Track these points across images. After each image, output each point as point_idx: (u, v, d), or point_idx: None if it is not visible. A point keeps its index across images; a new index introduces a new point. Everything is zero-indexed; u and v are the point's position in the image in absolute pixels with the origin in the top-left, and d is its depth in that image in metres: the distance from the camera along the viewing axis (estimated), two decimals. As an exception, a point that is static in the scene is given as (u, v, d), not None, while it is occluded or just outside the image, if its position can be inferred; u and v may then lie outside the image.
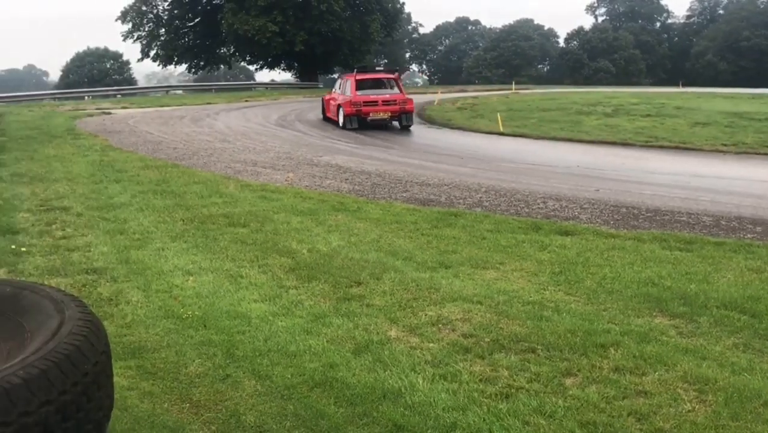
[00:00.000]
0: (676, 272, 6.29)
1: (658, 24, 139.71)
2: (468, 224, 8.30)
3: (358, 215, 8.75)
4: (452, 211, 9.10)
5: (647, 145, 17.38)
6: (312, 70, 61.41)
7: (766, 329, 4.91)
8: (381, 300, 5.50)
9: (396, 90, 21.70)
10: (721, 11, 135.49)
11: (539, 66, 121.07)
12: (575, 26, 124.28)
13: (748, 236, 8.03)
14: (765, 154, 15.87)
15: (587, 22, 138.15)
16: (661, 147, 17.12)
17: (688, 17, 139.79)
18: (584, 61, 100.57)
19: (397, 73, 23.23)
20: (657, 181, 12.11)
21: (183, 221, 8.32)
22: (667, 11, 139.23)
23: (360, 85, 21.38)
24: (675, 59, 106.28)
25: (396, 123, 21.08)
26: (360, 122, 20.61)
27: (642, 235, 7.86)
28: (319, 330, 4.85)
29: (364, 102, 20.55)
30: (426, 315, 5.16)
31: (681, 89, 47.29)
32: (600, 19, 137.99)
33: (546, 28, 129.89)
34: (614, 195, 10.57)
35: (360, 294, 5.65)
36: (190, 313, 5.14)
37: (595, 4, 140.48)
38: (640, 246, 7.31)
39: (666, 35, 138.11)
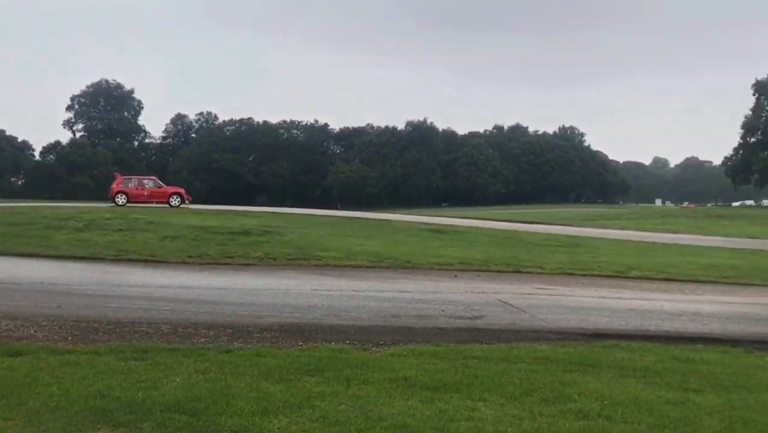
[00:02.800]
0: (127, 382, 6.40)
1: (136, 143, 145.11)
2: None
3: None
4: None
5: (117, 259, 17.57)
6: None
7: (203, 426, 5.33)
8: None
9: None
10: (193, 135, 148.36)
11: (12, 179, 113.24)
12: (52, 140, 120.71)
13: (201, 340, 8.68)
14: (225, 264, 17.56)
15: (65, 136, 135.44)
16: (131, 260, 17.50)
17: (164, 138, 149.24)
18: (62, 175, 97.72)
19: None
20: (123, 294, 12.29)
21: None
22: (144, 131, 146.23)
23: None
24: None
25: None
26: None
27: (99, 348, 7.81)
28: None
29: None
30: None
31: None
32: (78, 134, 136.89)
33: (20, 140, 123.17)
34: (77, 310, 10.32)
35: None
36: None
37: (73, 120, 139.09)
38: (96, 359, 7.25)
39: (144, 153, 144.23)
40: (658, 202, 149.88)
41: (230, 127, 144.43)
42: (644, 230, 42.54)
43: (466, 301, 12.96)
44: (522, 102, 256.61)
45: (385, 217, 39.74)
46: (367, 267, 17.64)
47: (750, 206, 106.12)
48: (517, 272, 18.00)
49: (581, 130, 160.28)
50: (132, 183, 36.88)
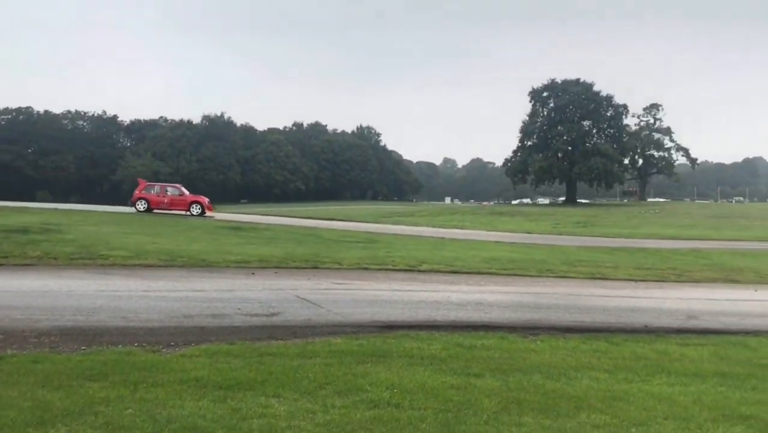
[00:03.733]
0: None
1: None
2: None
3: None
4: None
5: None
6: None
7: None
8: None
9: None
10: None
11: None
12: None
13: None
14: (-4, 265, 15.90)
15: None
16: None
17: None
18: None
19: None
20: None
21: None
22: None
23: None
24: None
25: None
26: None
27: None
28: None
29: None
30: None
31: None
32: None
33: None
34: None
35: None
36: None
37: None
38: None
39: None
40: (448, 200, 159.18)
41: (5, 117, 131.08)
42: (435, 226, 44.95)
43: (263, 298, 12.84)
44: (322, 101, 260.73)
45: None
46: (159, 266, 16.86)
47: (527, 204, 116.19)
48: (316, 268, 18.18)
49: (377, 130, 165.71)
50: (155, 190, 35.48)
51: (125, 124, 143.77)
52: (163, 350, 8.15)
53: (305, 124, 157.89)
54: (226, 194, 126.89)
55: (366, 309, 12.03)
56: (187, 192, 36.65)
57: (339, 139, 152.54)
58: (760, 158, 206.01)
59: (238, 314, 11.03)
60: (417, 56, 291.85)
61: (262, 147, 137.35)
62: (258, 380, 6.85)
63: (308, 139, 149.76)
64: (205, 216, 34.14)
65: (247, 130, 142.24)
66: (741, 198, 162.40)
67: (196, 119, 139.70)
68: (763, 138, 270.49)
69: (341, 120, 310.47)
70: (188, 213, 34.23)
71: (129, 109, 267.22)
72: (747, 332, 11.37)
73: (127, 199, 45.37)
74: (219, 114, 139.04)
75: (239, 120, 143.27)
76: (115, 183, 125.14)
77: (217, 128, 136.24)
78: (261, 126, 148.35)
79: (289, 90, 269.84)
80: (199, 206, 34.97)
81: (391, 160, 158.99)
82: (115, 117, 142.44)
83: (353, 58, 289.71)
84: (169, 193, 35.34)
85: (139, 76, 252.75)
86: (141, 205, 34.24)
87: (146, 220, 30.26)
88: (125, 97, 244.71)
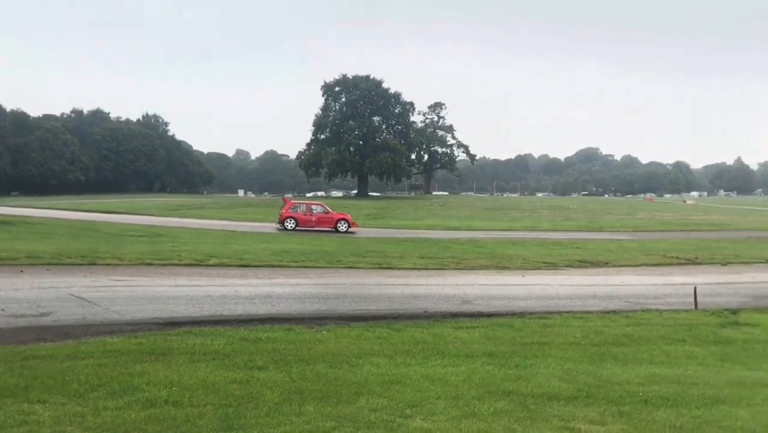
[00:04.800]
0: None
1: None
2: None
3: None
4: None
5: None
6: None
7: None
8: None
9: None
10: None
11: None
12: None
13: None
14: None
15: None
16: None
17: None
18: None
19: None
20: None
21: None
22: None
23: None
24: None
25: None
26: None
27: None
28: None
29: None
30: None
31: None
32: None
33: None
34: None
35: None
36: None
37: None
38: None
39: None
40: (241, 192, 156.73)
41: None
42: (226, 219, 44.06)
43: (32, 297, 11.84)
44: (104, 87, 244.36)
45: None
46: None
47: (321, 197, 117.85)
48: (94, 264, 17.07)
49: (165, 119, 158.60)
50: (300, 209, 36.65)
51: None
52: None
53: (86, 111, 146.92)
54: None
55: (147, 306, 11.51)
56: (330, 210, 37.55)
57: (123, 127, 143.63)
58: (530, 155, 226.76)
59: (1, 316, 10.06)
60: (210, 45, 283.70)
61: (36, 135, 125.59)
62: (21, 385, 6.33)
63: (89, 126, 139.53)
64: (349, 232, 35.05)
65: (18, 116, 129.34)
66: (514, 193, 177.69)
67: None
68: (532, 136, 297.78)
69: (126, 108, 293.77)
70: (335, 230, 35.18)
71: None
72: (513, 314, 12.41)
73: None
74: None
75: (8, 105, 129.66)
76: None
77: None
78: (34, 112, 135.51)
79: (68, 74, 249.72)
80: (345, 223, 35.86)
81: (181, 150, 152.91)
82: None
83: (142, 45, 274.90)
84: (315, 211, 36.39)
85: None
86: (290, 224, 35.07)
87: None
88: None
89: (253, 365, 7.55)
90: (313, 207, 36.94)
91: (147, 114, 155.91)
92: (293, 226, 34.91)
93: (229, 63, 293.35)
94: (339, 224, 35.44)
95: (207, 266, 18.15)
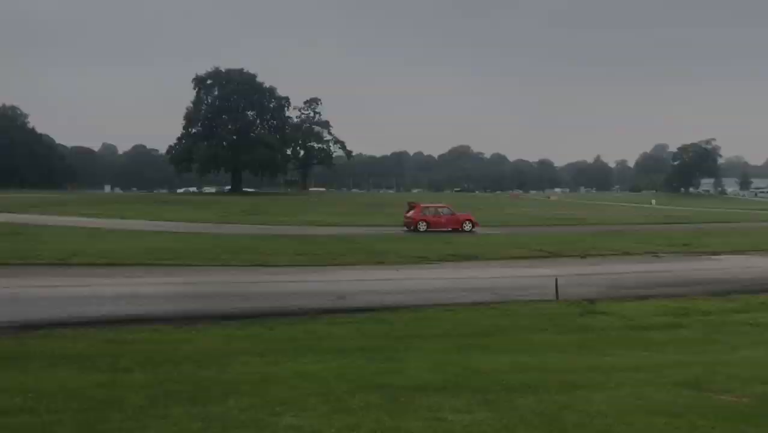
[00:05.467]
0: None
1: None
2: None
3: None
4: None
5: None
6: None
7: None
8: None
9: None
10: None
11: None
12: None
13: None
14: None
15: None
16: None
17: None
18: None
19: None
20: None
21: None
22: None
23: None
24: None
25: None
26: None
27: None
28: None
29: None
30: None
31: None
32: None
33: None
34: None
35: None
36: None
37: None
38: None
39: None
40: (107, 188, 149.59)
41: None
42: (91, 215, 41.92)
43: None
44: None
45: None
46: None
47: (193, 193, 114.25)
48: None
49: (24, 110, 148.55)
50: (429, 211, 38.64)
51: None
52: None
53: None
54: None
55: (1, 309, 10.77)
56: (455, 211, 39.45)
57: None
58: (405, 153, 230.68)
59: None
60: (71, 31, 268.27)
61: None
62: None
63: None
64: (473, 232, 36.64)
65: None
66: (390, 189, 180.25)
67: None
68: (407, 135, 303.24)
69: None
70: (461, 230, 37.00)
71: None
72: (387, 308, 12.63)
73: None
74: None
75: None
76: None
77: None
78: None
79: None
80: (470, 223, 37.73)
81: (42, 144, 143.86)
82: None
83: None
84: (442, 213, 38.57)
85: None
86: (422, 226, 36.81)
87: None
88: None
89: (117, 367, 7.27)
90: (440, 209, 39.44)
91: (4, 105, 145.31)
92: (425, 228, 37.03)
93: (96, 50, 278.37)
94: (464, 224, 37.75)
95: (70, 264, 17.25)
